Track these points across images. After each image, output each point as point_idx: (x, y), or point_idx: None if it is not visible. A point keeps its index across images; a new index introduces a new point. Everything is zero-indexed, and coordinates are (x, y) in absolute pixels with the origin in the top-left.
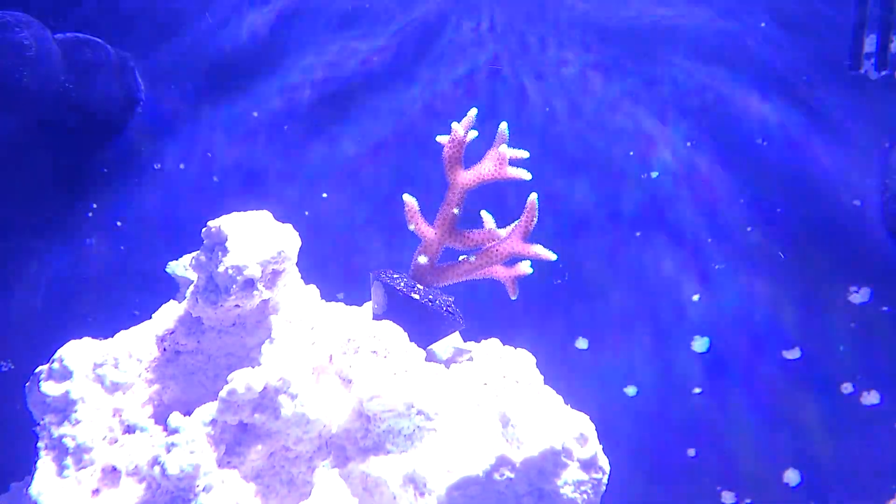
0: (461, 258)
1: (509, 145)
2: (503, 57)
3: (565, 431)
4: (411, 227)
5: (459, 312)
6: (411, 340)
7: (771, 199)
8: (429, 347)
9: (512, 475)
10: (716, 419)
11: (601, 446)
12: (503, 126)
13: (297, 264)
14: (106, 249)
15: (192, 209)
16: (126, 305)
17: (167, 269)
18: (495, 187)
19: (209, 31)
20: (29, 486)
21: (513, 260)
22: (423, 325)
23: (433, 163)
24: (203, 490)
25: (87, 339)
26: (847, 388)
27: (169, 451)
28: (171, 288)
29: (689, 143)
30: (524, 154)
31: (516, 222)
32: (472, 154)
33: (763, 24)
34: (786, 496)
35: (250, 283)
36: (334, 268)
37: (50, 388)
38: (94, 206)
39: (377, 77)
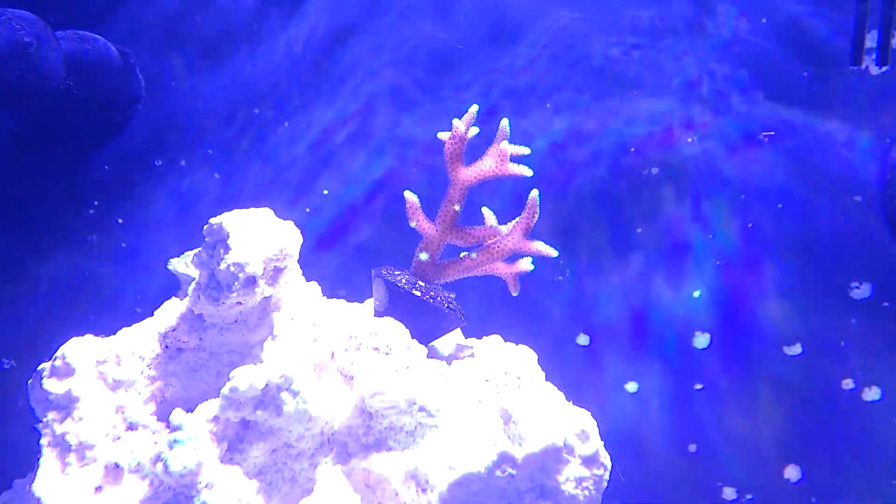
0: (462, 255)
1: (510, 142)
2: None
3: (567, 428)
4: (412, 224)
5: (461, 309)
6: (413, 337)
7: (772, 195)
8: (430, 344)
9: (514, 471)
10: (717, 415)
11: (602, 442)
12: (504, 122)
13: (298, 261)
14: (107, 247)
15: (193, 206)
16: (128, 303)
17: (168, 267)
18: (496, 184)
19: (210, 30)
20: (32, 483)
21: (514, 256)
22: (424, 322)
23: (434, 160)
24: (205, 487)
25: (89, 337)
26: (848, 383)
27: (171, 449)
28: (172, 285)
29: (689, 140)
30: (525, 150)
31: (517, 219)
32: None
33: (764, 21)
34: (787, 492)
35: (252, 281)
36: (336, 265)
37: (52, 385)
38: (96, 203)
39: (376, 75)
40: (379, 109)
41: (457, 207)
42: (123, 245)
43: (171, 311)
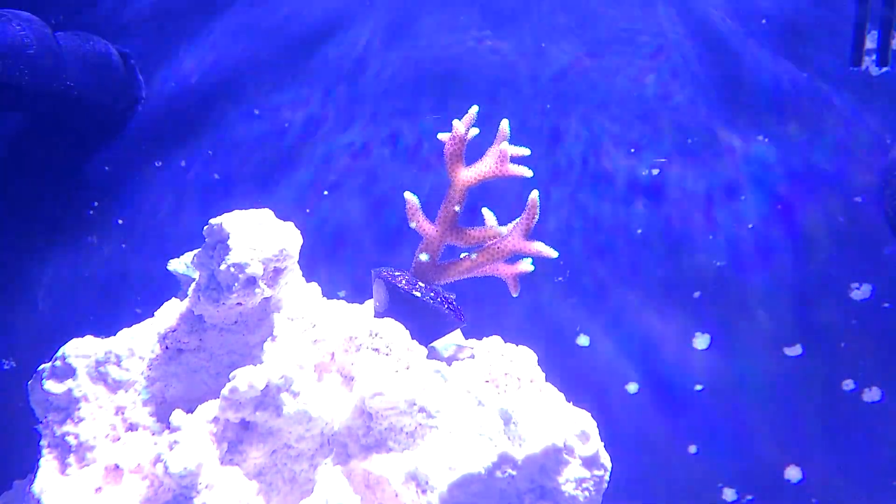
0: (462, 255)
1: (510, 142)
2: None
3: (567, 429)
4: (412, 225)
5: (461, 310)
6: (413, 338)
7: (771, 196)
8: (430, 345)
9: (514, 472)
10: (717, 416)
11: (603, 443)
12: (504, 123)
13: (298, 262)
14: (107, 248)
15: (193, 207)
16: (128, 303)
17: (168, 267)
18: (497, 185)
19: (209, 28)
20: (31, 483)
21: (514, 257)
22: (424, 323)
23: (435, 160)
24: (205, 488)
25: (89, 338)
26: (848, 384)
27: (171, 449)
28: (172, 286)
29: (690, 141)
30: (525, 151)
31: (518, 220)
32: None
33: (764, 21)
34: (787, 493)
35: (252, 281)
36: (336, 266)
37: (52, 386)
38: (96, 204)
39: (377, 74)
40: (380, 110)
41: (457, 208)
42: (123, 246)
43: (171, 312)
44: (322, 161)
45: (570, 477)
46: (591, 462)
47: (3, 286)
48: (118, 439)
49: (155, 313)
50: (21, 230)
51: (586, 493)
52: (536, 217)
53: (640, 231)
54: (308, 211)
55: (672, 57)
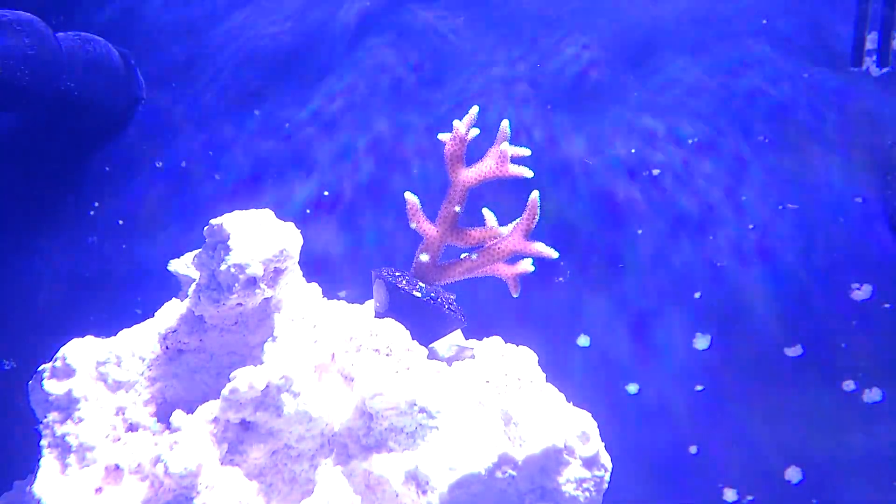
0: (463, 256)
1: (510, 143)
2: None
3: (567, 429)
4: (413, 225)
5: (461, 310)
6: (413, 338)
7: (772, 197)
8: (431, 345)
9: (514, 473)
10: (717, 416)
11: (603, 444)
12: (505, 124)
13: (298, 262)
14: (108, 248)
15: (193, 207)
16: (128, 304)
17: (169, 268)
18: (497, 185)
19: (209, 28)
20: (32, 484)
21: (515, 258)
22: (424, 323)
23: (435, 161)
24: (206, 488)
25: (89, 338)
26: (849, 385)
27: (171, 450)
28: (173, 286)
29: (690, 141)
30: (526, 152)
31: (518, 220)
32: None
33: (764, 21)
34: (787, 493)
35: (252, 282)
36: (336, 266)
37: (53, 386)
38: (96, 204)
39: (378, 75)
40: (382, 108)
41: (457, 209)
42: (124, 246)
43: (171, 313)
44: (323, 161)
45: (571, 477)
46: (591, 462)
47: (4, 286)
48: (118, 439)
49: (155, 314)
50: (22, 230)
51: (587, 494)
52: (537, 217)
53: (640, 231)
54: (308, 211)
55: None
